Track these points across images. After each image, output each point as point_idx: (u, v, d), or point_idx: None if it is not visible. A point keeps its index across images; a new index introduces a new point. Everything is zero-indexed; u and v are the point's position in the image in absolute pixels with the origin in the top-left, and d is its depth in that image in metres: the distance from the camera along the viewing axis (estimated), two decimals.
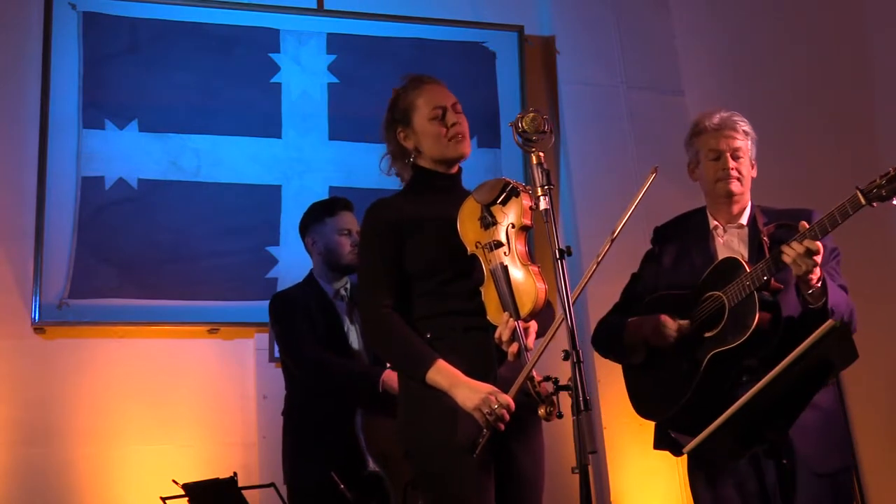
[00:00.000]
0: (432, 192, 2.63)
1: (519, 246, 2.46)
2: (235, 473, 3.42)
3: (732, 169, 2.79)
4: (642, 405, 2.86)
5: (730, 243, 2.80)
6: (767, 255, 2.61)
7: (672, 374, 2.72)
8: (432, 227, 2.54)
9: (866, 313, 3.87)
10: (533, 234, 2.58)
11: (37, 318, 4.26)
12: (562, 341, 2.21)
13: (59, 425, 4.23)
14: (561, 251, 2.22)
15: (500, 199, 2.49)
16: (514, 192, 2.49)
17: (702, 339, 2.67)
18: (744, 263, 2.63)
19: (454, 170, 2.67)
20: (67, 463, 4.20)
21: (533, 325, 2.43)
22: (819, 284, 2.51)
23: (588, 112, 5.19)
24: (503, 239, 2.46)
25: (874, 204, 2.41)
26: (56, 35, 4.53)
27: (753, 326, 2.55)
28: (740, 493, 2.64)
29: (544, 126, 2.32)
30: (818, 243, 2.46)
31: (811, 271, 2.48)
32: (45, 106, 4.45)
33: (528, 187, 2.49)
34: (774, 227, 2.72)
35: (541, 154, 2.32)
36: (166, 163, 4.61)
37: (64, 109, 4.50)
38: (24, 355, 4.26)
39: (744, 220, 2.82)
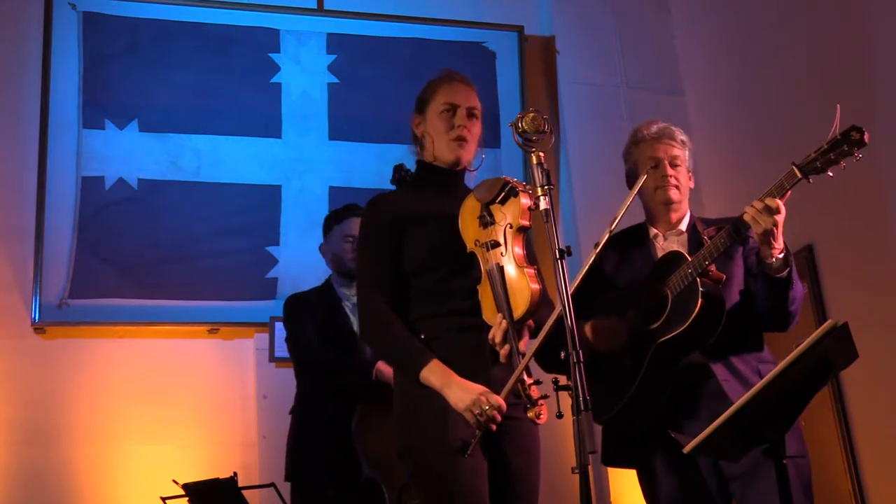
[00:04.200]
0: (432, 187, 2.62)
1: (516, 248, 2.45)
2: (235, 473, 3.44)
3: (671, 176, 2.81)
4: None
5: (670, 248, 2.79)
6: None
7: (616, 372, 2.70)
8: (431, 223, 2.54)
9: (867, 310, 3.89)
10: (532, 235, 2.57)
11: (37, 317, 4.26)
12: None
13: (59, 425, 4.24)
14: (561, 251, 2.21)
15: (498, 199, 2.48)
16: (513, 192, 2.48)
17: (647, 332, 2.66)
18: (685, 255, 2.64)
19: (457, 167, 2.65)
20: (67, 463, 4.20)
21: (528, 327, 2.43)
22: (782, 256, 2.52)
23: (588, 112, 5.19)
24: (501, 239, 2.45)
25: (810, 179, 2.42)
26: (56, 35, 4.54)
27: (696, 310, 2.52)
28: (697, 488, 2.64)
29: (544, 126, 2.31)
30: (778, 201, 2.45)
31: (772, 232, 2.48)
32: (45, 106, 4.46)
33: (528, 186, 2.48)
34: (714, 230, 2.72)
35: (541, 154, 2.31)
36: (166, 163, 4.62)
37: (64, 109, 4.51)
38: (24, 355, 4.27)
39: (683, 226, 2.85)
